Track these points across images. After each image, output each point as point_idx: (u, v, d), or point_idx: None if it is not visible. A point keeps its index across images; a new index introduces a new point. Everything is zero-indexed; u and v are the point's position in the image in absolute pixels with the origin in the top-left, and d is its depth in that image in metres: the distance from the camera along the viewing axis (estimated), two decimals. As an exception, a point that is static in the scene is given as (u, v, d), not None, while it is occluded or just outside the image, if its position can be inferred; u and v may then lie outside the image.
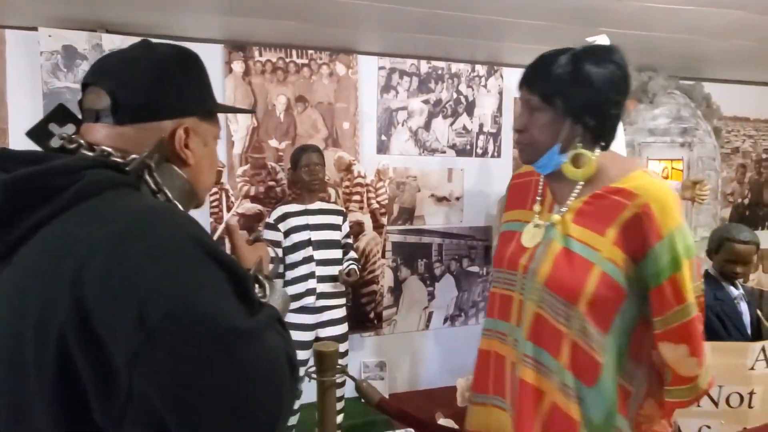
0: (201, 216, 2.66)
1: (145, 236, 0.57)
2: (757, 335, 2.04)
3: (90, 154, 0.67)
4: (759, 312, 2.11)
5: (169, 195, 0.71)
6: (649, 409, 0.98)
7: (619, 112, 1.01)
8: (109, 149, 0.68)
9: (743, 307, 2.07)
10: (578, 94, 0.97)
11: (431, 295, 3.25)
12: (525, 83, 1.04)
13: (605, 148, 1.03)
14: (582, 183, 1.02)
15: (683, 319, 0.93)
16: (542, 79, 1.01)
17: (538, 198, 1.11)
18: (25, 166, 0.61)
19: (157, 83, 0.72)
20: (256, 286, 0.80)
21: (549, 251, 1.01)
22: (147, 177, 0.70)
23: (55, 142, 0.74)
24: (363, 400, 1.46)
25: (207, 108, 0.79)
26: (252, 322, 0.61)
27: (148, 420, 0.55)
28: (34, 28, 2.34)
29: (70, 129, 0.74)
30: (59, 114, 0.76)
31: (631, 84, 1.01)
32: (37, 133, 0.74)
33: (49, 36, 2.36)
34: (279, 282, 0.85)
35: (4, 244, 0.60)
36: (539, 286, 1.01)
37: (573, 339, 0.98)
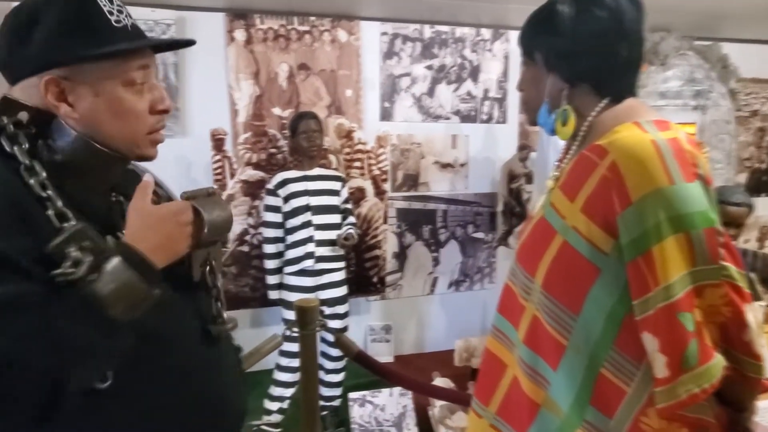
0: (204, 183, 2.75)
1: None
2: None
3: None
4: (752, 274, 2.08)
5: (19, 156, 0.72)
6: (656, 419, 0.80)
7: (615, 59, 0.87)
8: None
9: (737, 269, 2.04)
10: (553, 44, 0.89)
11: (436, 261, 3.30)
12: (518, 38, 0.99)
13: (615, 101, 0.89)
14: (578, 142, 0.92)
15: (658, 304, 0.75)
16: (523, 31, 0.96)
17: (556, 162, 1.01)
18: None
19: (14, 40, 0.74)
20: (68, 262, 0.68)
21: (533, 220, 0.95)
22: (3, 140, 0.72)
23: None
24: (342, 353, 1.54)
25: (75, 55, 0.73)
26: None
27: None
28: None
29: None
30: None
31: (633, 24, 0.87)
32: None
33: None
34: (116, 262, 0.68)
35: None
36: (514, 257, 0.98)
37: (534, 314, 0.90)
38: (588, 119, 0.90)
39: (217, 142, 2.77)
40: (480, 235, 3.37)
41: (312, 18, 2.83)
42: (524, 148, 3.27)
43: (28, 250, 0.66)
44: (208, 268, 0.89)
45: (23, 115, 0.73)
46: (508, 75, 3.21)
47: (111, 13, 0.76)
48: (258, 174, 2.83)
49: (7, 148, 0.72)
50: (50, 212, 0.70)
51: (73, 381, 0.65)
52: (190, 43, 0.88)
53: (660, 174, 0.75)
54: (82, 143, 0.76)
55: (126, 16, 0.78)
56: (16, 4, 0.76)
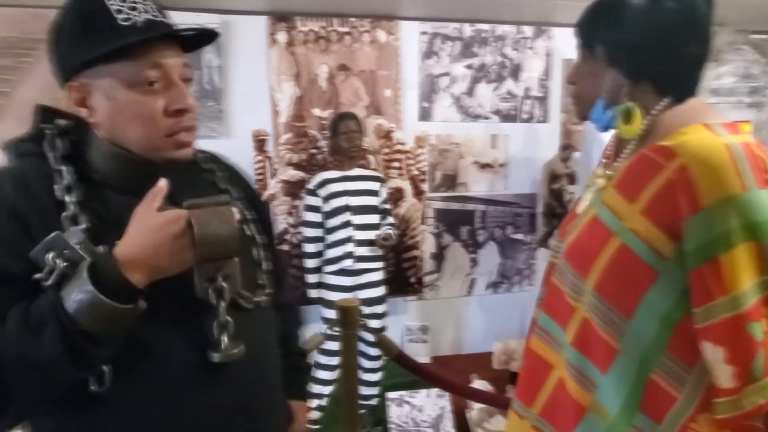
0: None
1: None
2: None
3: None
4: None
5: (50, 160, 0.75)
6: (706, 426, 0.79)
7: (684, 57, 0.84)
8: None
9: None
10: (618, 37, 0.85)
11: (474, 262, 3.26)
12: (575, 28, 0.96)
13: (678, 100, 0.86)
14: (635, 141, 0.89)
15: (724, 314, 0.73)
16: (584, 21, 0.92)
17: (603, 159, 0.99)
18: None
19: (48, 50, 0.77)
20: (46, 268, 0.68)
21: (583, 219, 0.93)
22: (44, 145, 0.76)
23: None
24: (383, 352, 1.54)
25: (83, 60, 0.73)
26: None
27: None
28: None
29: None
30: None
31: (705, 21, 0.83)
32: None
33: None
34: (82, 275, 0.65)
35: None
36: (562, 254, 0.96)
37: (584, 315, 0.88)
38: (648, 118, 0.87)
39: (259, 143, 2.83)
40: (519, 236, 3.31)
41: (352, 19, 2.85)
42: (567, 148, 3.19)
43: (19, 255, 0.67)
44: (212, 287, 0.77)
45: (63, 122, 0.76)
46: (550, 73, 3.14)
47: (119, 12, 0.73)
48: (298, 174, 2.87)
49: (46, 153, 0.75)
50: (64, 215, 0.71)
51: (31, 387, 0.66)
52: (207, 32, 0.81)
53: (734, 180, 0.72)
54: (106, 148, 0.76)
55: (141, 12, 0.74)
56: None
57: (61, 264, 0.66)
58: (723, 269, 0.73)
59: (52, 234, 0.68)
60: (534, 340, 1.01)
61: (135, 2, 0.74)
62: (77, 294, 0.65)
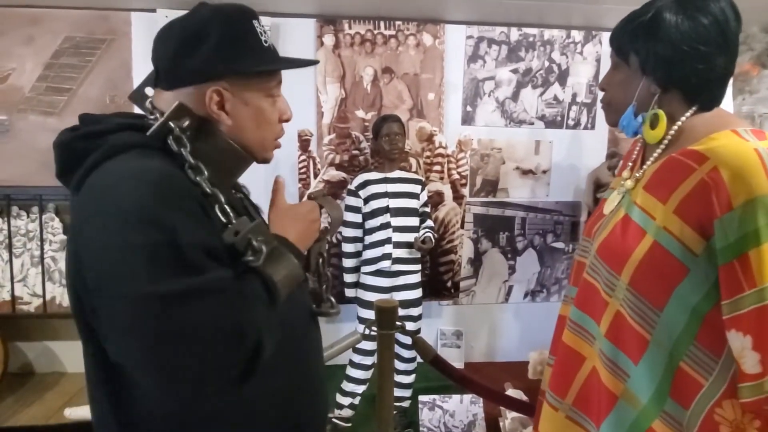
0: (289, 182, 2.87)
1: (101, 198, 0.70)
2: None
3: (121, 120, 0.82)
4: None
5: (185, 155, 0.78)
6: (730, 411, 0.84)
7: (713, 68, 0.89)
8: (157, 114, 0.81)
9: None
10: (652, 48, 0.91)
11: (512, 269, 3.22)
12: (610, 38, 1.02)
13: (705, 109, 0.92)
14: (663, 146, 0.95)
15: (753, 305, 0.79)
16: (619, 32, 0.97)
17: (630, 164, 1.05)
18: (81, 129, 0.79)
19: (181, 51, 0.81)
20: (250, 251, 0.76)
21: (613, 218, 0.98)
22: (170, 141, 0.78)
23: (149, 104, 0.85)
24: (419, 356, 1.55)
25: (237, 70, 0.82)
26: (177, 285, 0.65)
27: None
28: (153, 10, 2.64)
29: (150, 91, 0.87)
30: (152, 79, 0.88)
31: (734, 36, 0.89)
32: (136, 95, 0.90)
33: (166, 16, 2.65)
34: (287, 253, 0.82)
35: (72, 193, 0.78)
36: (593, 252, 1.00)
37: (617, 309, 0.92)
38: (677, 124, 0.93)
39: (304, 143, 2.88)
40: (560, 245, 3.25)
41: (398, 22, 2.87)
42: (614, 156, 3.11)
43: (218, 240, 0.75)
44: (321, 259, 1.02)
45: (186, 120, 0.80)
46: (599, 78, 3.07)
47: (262, 34, 0.86)
48: (340, 174, 2.92)
49: (174, 149, 0.78)
50: (217, 207, 0.78)
51: (266, 350, 0.72)
52: (314, 62, 1.01)
53: (763, 181, 0.78)
54: (229, 147, 0.85)
55: (267, 35, 0.88)
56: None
57: (265, 247, 0.77)
58: (752, 264, 0.79)
59: (255, 222, 0.78)
60: (567, 334, 1.05)
61: (263, 26, 0.88)
62: (284, 270, 0.78)
